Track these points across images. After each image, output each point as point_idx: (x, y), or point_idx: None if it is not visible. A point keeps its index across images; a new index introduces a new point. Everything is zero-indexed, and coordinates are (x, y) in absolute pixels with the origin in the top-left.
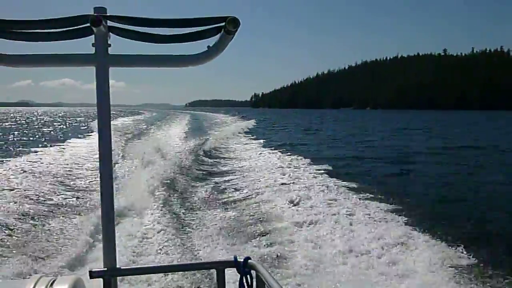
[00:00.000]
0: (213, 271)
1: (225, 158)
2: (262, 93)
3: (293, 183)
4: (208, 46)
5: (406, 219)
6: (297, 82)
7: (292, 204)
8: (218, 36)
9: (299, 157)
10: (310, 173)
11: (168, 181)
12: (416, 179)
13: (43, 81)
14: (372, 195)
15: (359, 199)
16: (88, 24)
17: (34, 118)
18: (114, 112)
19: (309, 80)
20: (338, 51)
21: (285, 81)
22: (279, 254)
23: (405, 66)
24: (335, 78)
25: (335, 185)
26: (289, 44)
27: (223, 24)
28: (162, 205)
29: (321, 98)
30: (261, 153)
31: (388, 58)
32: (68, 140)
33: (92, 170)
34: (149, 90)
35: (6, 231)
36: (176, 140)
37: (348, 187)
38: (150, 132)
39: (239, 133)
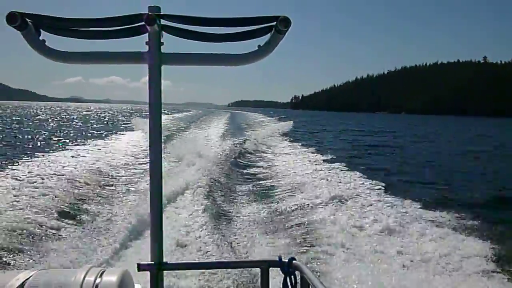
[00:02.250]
0: (256, 270)
1: (267, 157)
2: (302, 95)
3: (340, 185)
4: (259, 46)
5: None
6: (336, 85)
7: (338, 206)
8: (268, 35)
9: (345, 159)
10: (358, 176)
11: (210, 178)
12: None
13: (93, 78)
14: (425, 202)
15: (410, 203)
16: (143, 23)
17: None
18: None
19: (348, 83)
20: (380, 57)
21: (325, 84)
22: (323, 256)
23: (444, 72)
24: (374, 83)
25: (384, 188)
26: (332, 48)
27: (274, 23)
28: (203, 201)
29: (358, 102)
30: (303, 154)
31: (427, 64)
32: (115, 135)
33: (139, 164)
34: (193, 89)
35: (60, 222)
36: (218, 138)
37: (399, 191)
38: (192, 129)
39: (279, 133)
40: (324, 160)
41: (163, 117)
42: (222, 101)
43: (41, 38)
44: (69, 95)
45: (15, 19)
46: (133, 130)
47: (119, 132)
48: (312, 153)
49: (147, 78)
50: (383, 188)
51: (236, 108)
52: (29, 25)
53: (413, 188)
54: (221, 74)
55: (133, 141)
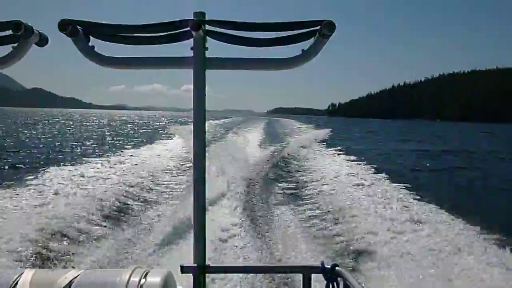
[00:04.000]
0: (295, 275)
1: (305, 162)
2: (339, 102)
3: (380, 192)
4: (303, 50)
5: None
6: (372, 93)
7: (383, 212)
8: (312, 39)
9: (381, 168)
10: (399, 183)
11: (248, 182)
12: None
13: (136, 86)
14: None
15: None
16: (188, 28)
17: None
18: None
19: (384, 91)
20: (419, 64)
21: (362, 92)
22: (366, 264)
23: (481, 80)
24: (410, 90)
25: (425, 196)
26: (370, 55)
27: (318, 27)
28: (241, 205)
29: (394, 109)
30: (340, 161)
31: (465, 71)
32: (159, 140)
33: (180, 167)
34: (233, 96)
35: (105, 223)
36: (256, 143)
37: (444, 200)
38: (230, 135)
39: (316, 140)
40: (366, 167)
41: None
42: (261, 108)
43: (90, 44)
44: (114, 103)
45: (66, 26)
46: (174, 136)
47: (162, 138)
48: (354, 160)
49: (187, 85)
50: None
51: (274, 115)
52: (79, 32)
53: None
54: (261, 81)
55: (175, 146)
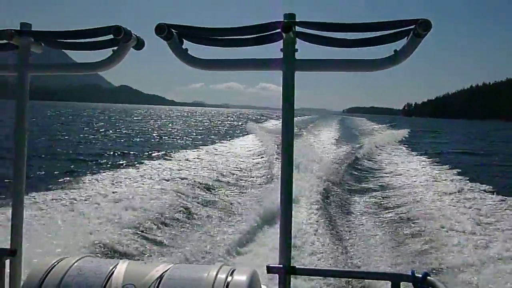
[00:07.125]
0: (378, 282)
1: (381, 166)
2: (415, 102)
3: (466, 199)
4: (395, 50)
5: None
6: (450, 93)
7: (468, 222)
8: (405, 39)
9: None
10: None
11: (324, 183)
12: None
13: (213, 84)
14: None
15: None
16: (278, 30)
17: None
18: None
19: (462, 91)
20: (501, 64)
21: (441, 91)
22: (452, 273)
23: None
24: (489, 90)
25: None
26: (452, 56)
27: (412, 27)
28: (318, 207)
29: (471, 109)
30: (422, 165)
31: None
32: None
33: (262, 166)
34: (308, 94)
35: (190, 221)
36: (330, 143)
37: None
38: (304, 134)
39: (395, 142)
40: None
41: (279, 121)
42: (337, 107)
43: (184, 47)
44: (193, 100)
45: (163, 30)
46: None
47: (241, 135)
48: (436, 163)
49: (263, 83)
50: None
51: (351, 114)
52: (174, 35)
53: None
54: (337, 78)
55: (259, 144)
